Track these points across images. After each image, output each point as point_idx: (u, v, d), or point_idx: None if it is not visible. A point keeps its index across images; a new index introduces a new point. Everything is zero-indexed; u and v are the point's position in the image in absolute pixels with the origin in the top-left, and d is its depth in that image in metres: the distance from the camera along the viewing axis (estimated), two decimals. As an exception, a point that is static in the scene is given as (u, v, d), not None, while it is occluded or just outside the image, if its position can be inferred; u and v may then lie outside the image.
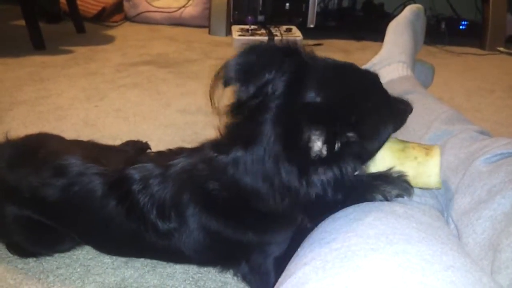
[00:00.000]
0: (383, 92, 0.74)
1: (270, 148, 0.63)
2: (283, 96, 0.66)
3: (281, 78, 0.66)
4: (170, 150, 0.91)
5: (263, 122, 0.65)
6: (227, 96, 0.72)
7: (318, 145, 0.60)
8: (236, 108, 0.70)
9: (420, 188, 0.73)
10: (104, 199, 0.82)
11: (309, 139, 0.60)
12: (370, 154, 0.70)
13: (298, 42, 0.72)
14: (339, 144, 0.62)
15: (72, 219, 0.89)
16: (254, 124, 0.66)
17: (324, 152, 0.61)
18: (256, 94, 0.68)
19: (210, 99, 0.72)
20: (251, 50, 0.69)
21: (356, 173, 0.67)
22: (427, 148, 0.72)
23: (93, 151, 0.97)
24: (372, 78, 0.73)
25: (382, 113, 0.70)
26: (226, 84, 0.69)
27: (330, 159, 0.62)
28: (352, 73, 0.72)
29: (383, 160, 0.72)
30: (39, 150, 0.90)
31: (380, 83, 0.74)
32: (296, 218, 0.70)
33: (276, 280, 0.71)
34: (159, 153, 0.99)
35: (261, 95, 0.67)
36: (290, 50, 0.69)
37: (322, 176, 0.62)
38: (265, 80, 0.67)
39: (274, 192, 0.65)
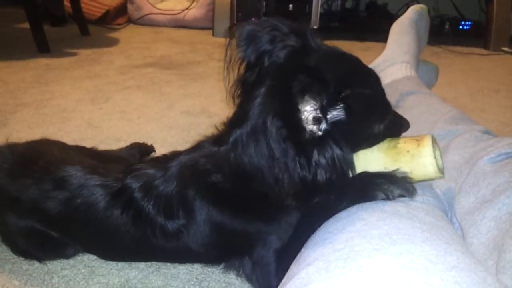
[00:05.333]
0: (382, 90, 0.74)
1: (264, 126, 0.64)
2: (278, 70, 0.68)
3: (281, 51, 0.70)
4: (165, 156, 0.90)
5: (257, 96, 0.67)
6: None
7: (310, 121, 0.61)
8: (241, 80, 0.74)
9: (422, 181, 0.72)
10: (107, 210, 0.81)
11: (302, 114, 0.61)
12: (359, 141, 0.71)
13: (309, 27, 0.75)
14: (329, 119, 0.63)
15: (75, 231, 0.89)
16: (250, 101, 0.69)
17: (318, 131, 0.62)
18: (255, 62, 0.72)
19: (224, 60, 0.75)
20: (263, 22, 0.73)
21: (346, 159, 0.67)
22: (418, 140, 0.71)
23: (93, 159, 0.96)
24: (374, 75, 0.74)
25: (375, 104, 0.71)
26: (237, 44, 0.73)
27: (323, 140, 0.63)
28: (355, 62, 0.73)
29: (378, 161, 0.71)
30: (39, 159, 0.90)
31: (381, 83, 0.75)
32: (290, 202, 0.70)
33: (277, 271, 0.72)
34: (155, 159, 0.99)
35: (258, 65, 0.71)
36: (297, 29, 0.72)
37: (317, 158, 0.63)
38: (264, 49, 0.71)
39: (273, 170, 0.66)
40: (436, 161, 0.69)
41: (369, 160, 0.72)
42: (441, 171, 0.71)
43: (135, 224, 0.81)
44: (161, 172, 0.81)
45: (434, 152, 0.70)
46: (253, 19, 2.88)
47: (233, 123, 0.73)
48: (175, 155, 0.85)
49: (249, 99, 0.70)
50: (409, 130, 0.78)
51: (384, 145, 0.73)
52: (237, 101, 0.77)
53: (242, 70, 0.75)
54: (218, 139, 0.76)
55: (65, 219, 0.86)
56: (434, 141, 0.72)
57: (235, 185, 0.75)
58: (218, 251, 0.85)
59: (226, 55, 0.74)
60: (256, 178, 0.70)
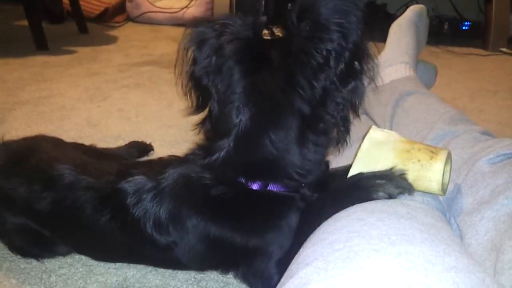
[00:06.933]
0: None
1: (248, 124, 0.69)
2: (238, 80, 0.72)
3: (230, 44, 0.73)
4: (160, 159, 0.90)
5: (236, 94, 0.71)
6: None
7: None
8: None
9: (419, 191, 0.71)
10: (96, 214, 0.80)
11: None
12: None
13: (262, 20, 0.78)
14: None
15: (64, 232, 0.89)
16: (228, 101, 0.72)
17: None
18: (204, 58, 0.74)
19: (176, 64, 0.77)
20: (213, 21, 0.76)
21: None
22: (434, 152, 0.69)
23: (87, 158, 0.96)
24: None
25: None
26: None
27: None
28: None
29: (386, 159, 0.71)
30: (32, 157, 0.89)
31: None
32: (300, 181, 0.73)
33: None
34: (150, 162, 0.99)
35: (206, 61, 0.74)
36: (249, 23, 0.77)
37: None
38: (212, 46, 0.74)
39: (278, 149, 0.70)
40: (442, 179, 0.68)
41: (379, 157, 0.71)
42: (444, 190, 0.70)
43: (125, 232, 0.80)
44: (153, 183, 0.79)
45: (444, 169, 0.68)
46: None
47: (221, 131, 0.74)
48: (169, 162, 0.84)
49: (226, 102, 0.73)
50: (409, 130, 0.77)
51: (398, 146, 0.72)
52: (190, 95, 0.81)
53: (191, 66, 0.76)
54: (209, 148, 0.75)
55: (54, 220, 0.85)
56: (449, 157, 0.70)
57: (238, 193, 0.74)
58: (211, 265, 0.85)
59: (178, 59, 0.76)
60: (270, 168, 0.71)
